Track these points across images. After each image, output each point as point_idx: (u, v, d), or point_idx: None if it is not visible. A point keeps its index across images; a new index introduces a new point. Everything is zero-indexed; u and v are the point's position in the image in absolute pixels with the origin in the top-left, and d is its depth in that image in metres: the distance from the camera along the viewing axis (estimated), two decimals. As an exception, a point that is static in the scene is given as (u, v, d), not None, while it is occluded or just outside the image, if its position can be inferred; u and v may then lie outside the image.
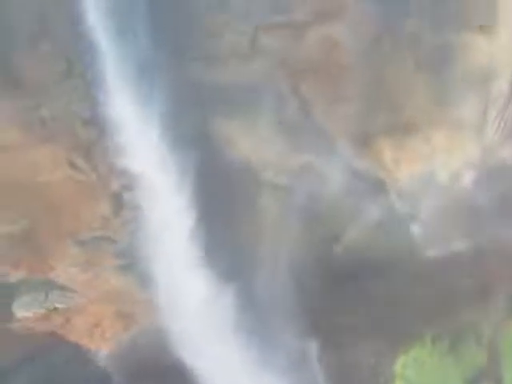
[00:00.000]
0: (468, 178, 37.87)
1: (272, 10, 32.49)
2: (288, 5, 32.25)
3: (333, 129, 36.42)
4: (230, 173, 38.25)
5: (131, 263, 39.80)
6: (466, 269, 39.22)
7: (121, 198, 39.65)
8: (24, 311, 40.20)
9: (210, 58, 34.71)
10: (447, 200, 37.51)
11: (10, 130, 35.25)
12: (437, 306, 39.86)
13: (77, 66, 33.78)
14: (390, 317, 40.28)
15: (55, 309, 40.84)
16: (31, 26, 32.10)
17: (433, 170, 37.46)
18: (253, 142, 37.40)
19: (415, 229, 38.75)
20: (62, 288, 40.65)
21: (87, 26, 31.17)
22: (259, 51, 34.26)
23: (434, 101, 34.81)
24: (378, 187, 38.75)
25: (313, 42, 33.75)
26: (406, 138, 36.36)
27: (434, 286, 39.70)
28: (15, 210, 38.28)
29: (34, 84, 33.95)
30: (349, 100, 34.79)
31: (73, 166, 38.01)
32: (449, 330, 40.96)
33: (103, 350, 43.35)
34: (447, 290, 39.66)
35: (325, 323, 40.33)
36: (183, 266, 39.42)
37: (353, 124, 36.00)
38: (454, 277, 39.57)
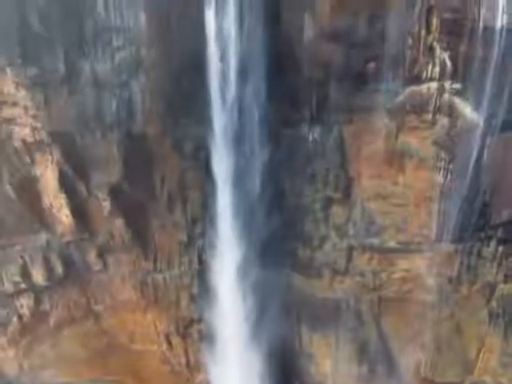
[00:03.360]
0: None
1: (367, 232, 34.64)
2: (380, 230, 34.42)
3: (405, 371, 35.68)
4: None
5: None
6: None
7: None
8: None
9: (305, 267, 36.79)
10: None
11: (126, 289, 39.25)
12: None
13: (197, 241, 37.87)
14: None
15: None
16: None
17: None
18: (332, 363, 37.59)
19: None
20: None
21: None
22: (352, 270, 35.80)
23: (503, 363, 32.62)
24: None
25: (398, 274, 34.96)
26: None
27: None
28: (105, 371, 40.55)
29: (156, 249, 38.36)
30: (423, 345, 34.55)
31: (169, 342, 40.23)
32: None
33: None
34: None
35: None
36: None
37: (424, 371, 35.44)
38: None
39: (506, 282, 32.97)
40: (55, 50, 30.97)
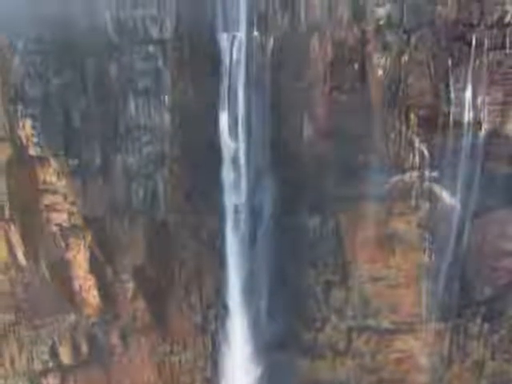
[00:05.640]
0: None
1: (364, 314, 37.60)
2: (375, 311, 37.48)
3: None
4: None
5: None
6: None
7: None
8: None
9: (309, 349, 39.26)
10: None
11: (145, 371, 41.97)
12: None
13: (211, 324, 40.89)
14: None
15: None
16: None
17: None
18: None
19: None
20: None
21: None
22: (352, 351, 38.37)
23: None
24: None
25: (394, 355, 37.42)
26: None
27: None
28: None
29: (173, 331, 41.39)
30: None
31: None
32: None
33: None
34: None
35: None
36: None
37: None
38: None
39: (493, 359, 34.98)
40: (93, 143, 36.18)
